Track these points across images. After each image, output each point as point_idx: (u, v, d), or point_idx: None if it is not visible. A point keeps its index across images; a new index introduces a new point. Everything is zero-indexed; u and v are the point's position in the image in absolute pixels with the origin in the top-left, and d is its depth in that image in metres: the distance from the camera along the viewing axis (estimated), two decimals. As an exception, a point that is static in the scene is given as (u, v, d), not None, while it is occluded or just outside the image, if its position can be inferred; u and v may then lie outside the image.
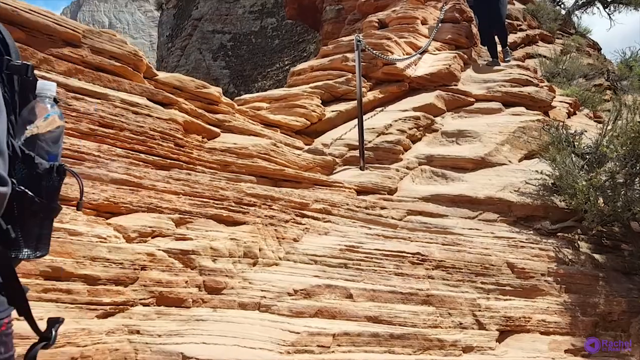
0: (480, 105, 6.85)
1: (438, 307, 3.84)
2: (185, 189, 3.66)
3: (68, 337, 2.43)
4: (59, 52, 3.65)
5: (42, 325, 2.27)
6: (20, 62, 1.34)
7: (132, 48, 4.08)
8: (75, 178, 1.54)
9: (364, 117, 5.52)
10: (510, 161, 5.81)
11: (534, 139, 6.17)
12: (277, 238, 3.84)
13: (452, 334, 3.73)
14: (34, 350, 1.35)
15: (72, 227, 2.84)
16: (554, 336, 4.19)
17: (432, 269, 4.12)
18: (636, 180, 4.99)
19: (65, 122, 3.33)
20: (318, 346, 3.07)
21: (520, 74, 7.55)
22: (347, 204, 4.50)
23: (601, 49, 14.80)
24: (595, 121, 8.71)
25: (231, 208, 3.76)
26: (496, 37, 8.38)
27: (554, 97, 7.68)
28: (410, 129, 5.85)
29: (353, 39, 5.93)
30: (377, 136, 5.55)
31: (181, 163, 3.91)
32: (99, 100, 3.65)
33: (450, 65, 7.05)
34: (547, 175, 5.30)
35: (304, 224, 4.12)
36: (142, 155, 3.69)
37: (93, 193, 3.13)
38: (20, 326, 1.34)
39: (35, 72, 3.45)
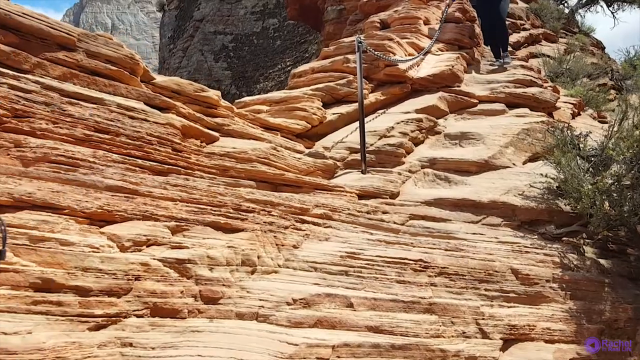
0: (484, 106, 6.75)
1: (441, 315, 3.76)
2: (182, 195, 3.59)
3: (57, 351, 2.36)
4: (53, 56, 3.59)
5: (31, 340, 2.21)
6: None
7: (129, 51, 4.02)
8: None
9: (366, 119, 5.44)
10: (514, 164, 5.72)
11: (539, 141, 6.08)
12: (277, 245, 3.76)
13: (455, 343, 3.64)
14: None
15: (63, 237, 2.77)
16: (558, 344, 4.10)
17: (435, 276, 4.04)
18: (643, 183, 4.90)
19: (60, 127, 3.29)
20: (317, 358, 3.00)
21: (524, 74, 7.45)
22: (349, 209, 4.42)
23: (605, 47, 14.72)
24: (599, 121, 8.63)
25: (229, 215, 3.68)
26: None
27: (558, 97, 7.59)
28: (412, 131, 5.77)
29: (354, 40, 5.85)
30: (379, 139, 5.47)
31: (179, 168, 3.84)
32: (94, 105, 3.59)
33: (453, 66, 6.97)
34: (551, 178, 5.22)
35: (304, 230, 4.05)
36: (139, 161, 3.62)
37: (86, 201, 3.06)
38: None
39: (29, 77, 3.41)
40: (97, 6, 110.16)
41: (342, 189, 4.66)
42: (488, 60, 8.34)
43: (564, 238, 4.94)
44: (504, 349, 3.90)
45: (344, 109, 5.94)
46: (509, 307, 4.14)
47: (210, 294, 3.14)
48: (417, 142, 5.83)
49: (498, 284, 4.21)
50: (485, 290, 4.15)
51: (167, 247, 3.18)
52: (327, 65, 6.54)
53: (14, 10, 3.39)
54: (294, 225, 4.00)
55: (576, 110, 8.21)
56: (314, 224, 4.15)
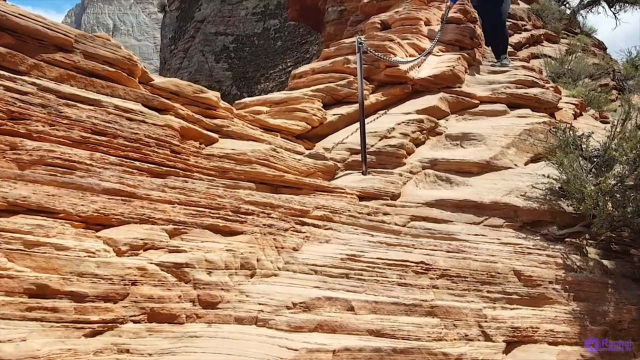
0: (485, 107, 6.71)
1: (443, 318, 3.71)
2: (180, 198, 3.54)
3: (52, 358, 2.31)
4: (50, 57, 3.55)
5: (25, 347, 2.16)
6: None
7: (127, 53, 3.98)
8: None
9: (367, 120, 5.40)
10: (516, 165, 5.68)
11: (541, 141, 6.04)
12: (276, 247, 3.72)
13: (457, 346, 3.60)
14: None
15: (58, 242, 2.72)
16: (562, 346, 4.05)
17: (437, 278, 4.00)
18: (646, 184, 4.86)
19: (57, 130, 3.25)
20: (317, 363, 2.96)
21: (526, 75, 7.41)
22: (349, 210, 4.38)
23: (606, 48, 14.68)
24: (601, 122, 8.59)
25: (228, 217, 3.64)
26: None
27: (560, 98, 7.55)
28: (413, 132, 5.72)
29: (355, 41, 5.81)
30: (380, 140, 5.43)
31: (177, 170, 3.80)
32: (91, 107, 3.55)
33: (454, 67, 6.93)
34: (554, 179, 5.18)
35: (304, 232, 4.00)
36: (137, 163, 3.58)
37: (82, 205, 3.01)
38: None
39: (26, 78, 3.37)
40: (99, 7, 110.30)
41: (342, 191, 4.61)
42: (489, 61, 8.30)
43: (567, 239, 4.90)
44: (507, 351, 3.85)
45: (344, 109, 5.91)
46: (511, 309, 4.10)
47: (208, 298, 3.09)
48: (418, 143, 5.79)
49: (500, 286, 4.17)
50: (488, 292, 4.10)
51: (165, 251, 3.13)
52: (328, 66, 6.50)
53: (10, 11, 3.36)
54: (293, 227, 3.96)
55: (578, 111, 8.17)
56: (314, 225, 4.11)
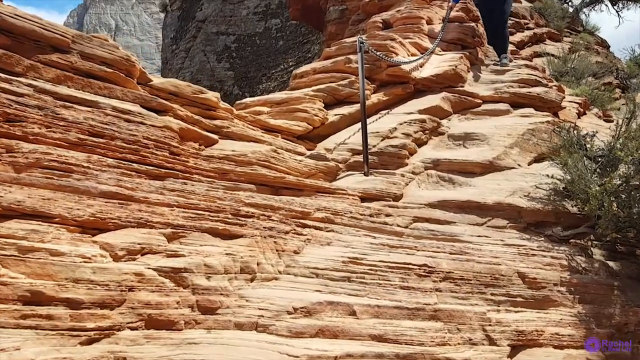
0: (488, 106, 6.65)
1: (446, 322, 3.64)
2: (179, 201, 3.48)
3: (47, 368, 2.27)
4: (47, 58, 3.51)
5: (19, 356, 2.10)
6: None
7: (125, 53, 3.93)
8: None
9: (368, 120, 5.35)
10: (519, 165, 5.62)
11: (544, 141, 5.97)
12: (277, 251, 3.65)
13: (461, 351, 3.53)
14: None
15: (53, 247, 2.67)
16: (568, 350, 3.99)
17: (440, 281, 3.93)
18: (652, 184, 4.80)
19: (53, 132, 3.19)
20: (318, 370, 2.90)
21: (529, 74, 7.35)
22: (351, 212, 4.32)
23: (610, 46, 14.60)
24: (605, 120, 8.52)
25: (228, 220, 3.58)
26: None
27: (564, 97, 7.49)
28: (415, 132, 5.67)
29: (356, 40, 5.75)
30: (382, 140, 5.37)
31: (177, 172, 3.75)
32: (89, 108, 3.50)
33: (456, 66, 6.87)
34: (558, 179, 5.12)
35: (305, 235, 3.93)
36: (135, 165, 3.53)
37: (78, 209, 2.95)
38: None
39: (22, 80, 3.32)
40: (101, 7, 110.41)
41: (344, 192, 4.56)
42: (492, 60, 8.23)
43: (572, 240, 4.84)
44: (511, 355, 3.79)
45: (346, 110, 5.85)
46: (516, 312, 4.04)
47: (207, 303, 3.03)
48: (420, 143, 5.73)
49: (505, 289, 4.11)
50: (492, 295, 4.04)
51: (163, 256, 3.07)
52: (329, 65, 6.45)
53: (6, 11, 3.31)
54: (294, 229, 3.90)
55: (581, 110, 8.11)
56: (316, 228, 4.04)
